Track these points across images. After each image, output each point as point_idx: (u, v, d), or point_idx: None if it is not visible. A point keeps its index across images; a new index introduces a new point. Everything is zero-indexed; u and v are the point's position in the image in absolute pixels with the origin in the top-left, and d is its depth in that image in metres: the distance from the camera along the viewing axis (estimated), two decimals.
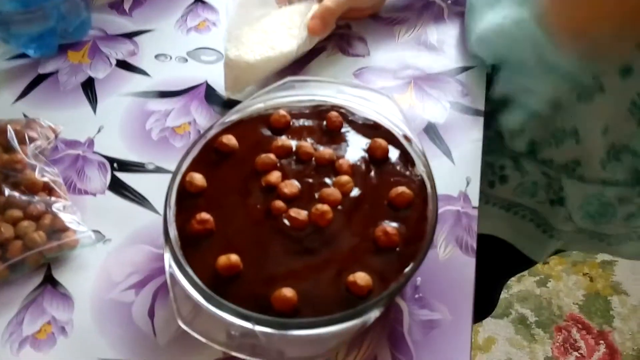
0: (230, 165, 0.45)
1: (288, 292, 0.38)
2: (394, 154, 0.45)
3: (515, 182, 0.62)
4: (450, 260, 0.47)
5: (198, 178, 0.43)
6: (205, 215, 0.41)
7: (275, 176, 0.43)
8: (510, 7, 0.54)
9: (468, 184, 0.51)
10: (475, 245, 0.48)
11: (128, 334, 0.44)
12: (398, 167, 0.44)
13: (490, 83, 0.59)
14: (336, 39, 0.63)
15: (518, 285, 1.47)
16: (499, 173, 0.62)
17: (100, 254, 0.48)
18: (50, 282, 0.47)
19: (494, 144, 0.61)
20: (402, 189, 0.42)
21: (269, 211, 0.42)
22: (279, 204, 0.42)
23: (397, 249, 0.40)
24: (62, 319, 0.45)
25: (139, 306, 0.45)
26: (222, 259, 0.39)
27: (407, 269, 0.39)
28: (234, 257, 0.39)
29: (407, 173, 0.44)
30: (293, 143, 0.45)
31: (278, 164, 0.44)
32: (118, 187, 0.52)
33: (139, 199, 0.51)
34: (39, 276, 0.47)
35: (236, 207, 0.42)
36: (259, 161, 0.44)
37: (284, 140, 0.45)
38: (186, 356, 0.42)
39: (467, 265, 0.47)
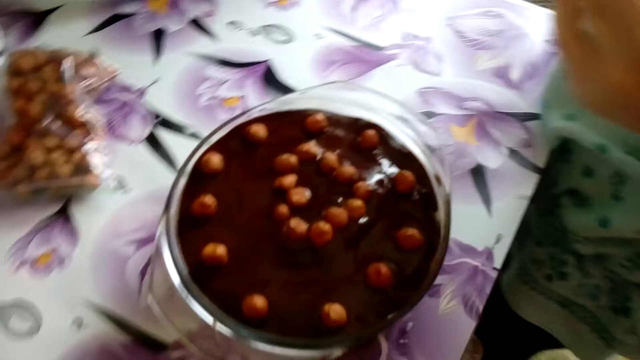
0: (252, 155, 0.44)
1: (260, 301, 0.37)
2: (419, 191, 0.42)
3: (576, 282, 0.56)
4: (450, 317, 0.44)
5: (215, 160, 0.43)
6: (208, 200, 0.41)
7: (289, 180, 0.41)
8: None
9: (498, 241, 0.47)
10: (481, 309, 0.44)
11: (115, 284, 0.45)
12: (418, 207, 0.41)
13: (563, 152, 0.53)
14: (411, 50, 0.59)
15: None
16: (559, 268, 0.57)
17: (117, 201, 0.49)
18: (64, 214, 0.48)
19: (557, 234, 0.55)
20: (412, 231, 0.39)
21: (271, 213, 0.40)
22: (283, 209, 0.40)
23: (387, 291, 0.38)
24: (64, 252, 0.46)
25: (134, 262, 0.46)
26: (209, 248, 0.38)
27: (389, 316, 0.37)
28: (221, 249, 0.38)
29: (426, 216, 0.41)
30: (319, 151, 0.43)
31: (297, 168, 0.42)
32: (153, 142, 0.53)
33: (169, 159, 0.52)
34: (56, 206, 0.49)
35: (242, 200, 0.41)
36: (278, 161, 0.42)
37: (310, 146, 0.43)
38: (155, 325, 0.43)
39: (466, 327, 0.43)
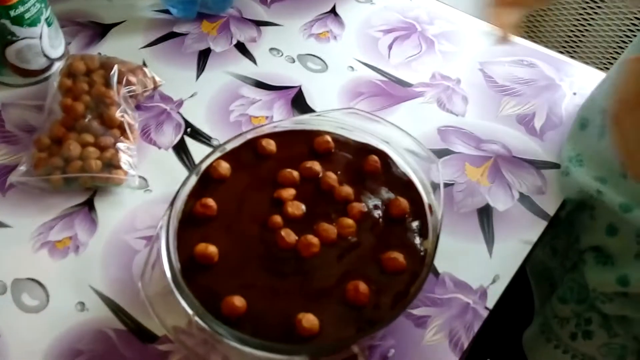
0: (259, 167, 0.46)
1: (239, 301, 0.38)
2: (411, 218, 0.43)
3: (601, 341, 0.54)
4: (433, 348, 0.44)
5: (224, 167, 0.45)
6: (210, 202, 0.43)
7: (288, 193, 0.43)
8: None
9: (494, 282, 0.47)
10: (465, 346, 0.44)
11: (121, 276, 0.48)
12: (408, 233, 0.42)
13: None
14: (439, 89, 0.61)
15: None
16: (584, 327, 0.55)
17: (137, 198, 0.53)
18: (89, 205, 0.52)
19: (581, 290, 0.54)
20: (396, 254, 0.40)
21: (266, 222, 0.42)
22: (277, 219, 0.42)
23: (362, 309, 0.38)
24: (82, 240, 0.50)
25: (142, 257, 0.49)
26: (201, 246, 0.41)
27: (358, 333, 0.37)
28: (212, 249, 0.41)
29: (414, 242, 0.41)
30: (321, 169, 0.45)
31: (298, 183, 0.44)
32: (180, 150, 0.56)
33: (191, 166, 0.55)
34: (83, 197, 0.53)
35: (242, 206, 0.44)
36: (281, 174, 0.45)
37: (314, 163, 0.45)
38: (150, 317, 0.45)
39: None
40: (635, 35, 1.45)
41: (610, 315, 0.52)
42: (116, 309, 0.46)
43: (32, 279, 0.48)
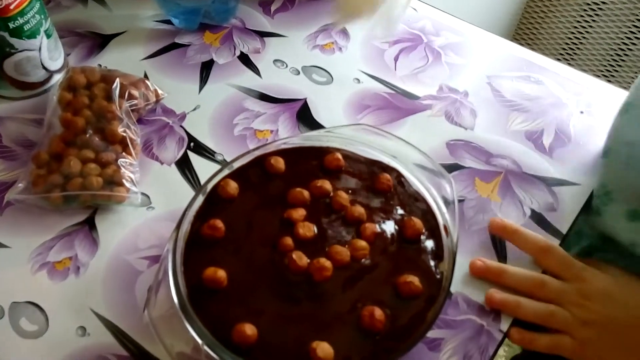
0: (268, 186, 0.45)
1: (250, 329, 0.37)
2: (426, 239, 0.42)
3: None
4: None
5: (232, 187, 0.44)
6: (218, 223, 0.42)
7: (298, 213, 0.42)
8: None
9: None
10: None
11: (123, 298, 0.46)
12: (423, 255, 0.41)
13: None
14: (447, 102, 0.59)
15: None
16: None
17: (140, 216, 0.51)
18: (89, 224, 0.51)
19: None
20: (412, 278, 0.39)
21: (276, 244, 0.41)
22: (288, 241, 0.41)
23: (377, 336, 0.37)
24: (82, 260, 0.48)
25: (145, 278, 0.47)
26: (210, 270, 0.39)
27: None
28: (221, 273, 0.39)
29: (429, 265, 0.40)
30: (332, 188, 0.44)
31: (308, 202, 0.43)
32: (184, 165, 0.55)
33: (195, 182, 0.53)
34: (83, 215, 0.51)
35: (251, 228, 0.42)
36: (291, 193, 0.43)
37: (324, 182, 0.44)
38: (154, 343, 0.43)
39: None
40: (634, 43, 1.45)
41: None
42: (118, 334, 0.44)
43: (31, 302, 0.46)
